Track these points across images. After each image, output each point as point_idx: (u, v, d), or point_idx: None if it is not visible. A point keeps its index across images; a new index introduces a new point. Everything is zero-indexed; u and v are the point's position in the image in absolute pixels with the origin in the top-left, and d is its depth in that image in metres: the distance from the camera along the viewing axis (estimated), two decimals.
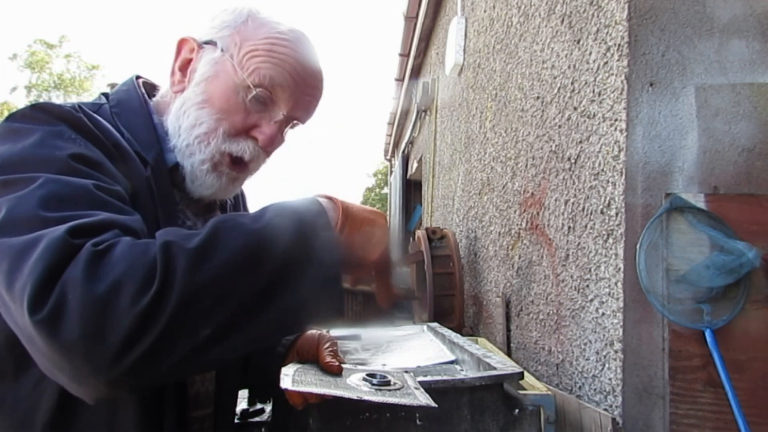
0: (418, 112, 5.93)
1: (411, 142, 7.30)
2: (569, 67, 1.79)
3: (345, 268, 0.75)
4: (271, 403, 1.15)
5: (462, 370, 1.11)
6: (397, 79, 7.30)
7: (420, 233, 3.05)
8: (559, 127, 1.86)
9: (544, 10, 2.06)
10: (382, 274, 0.83)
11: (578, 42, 1.72)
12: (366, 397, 0.74)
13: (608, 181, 1.49)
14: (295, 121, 0.92)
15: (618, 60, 1.45)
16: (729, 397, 1.22)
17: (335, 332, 1.05)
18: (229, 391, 1.00)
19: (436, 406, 0.75)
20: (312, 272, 0.69)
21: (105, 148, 0.78)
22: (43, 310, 0.58)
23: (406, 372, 0.91)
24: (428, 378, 0.90)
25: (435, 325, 1.61)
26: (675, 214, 1.32)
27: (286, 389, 0.75)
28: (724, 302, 1.27)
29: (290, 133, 0.94)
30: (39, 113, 0.76)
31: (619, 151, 1.42)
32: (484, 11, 3.17)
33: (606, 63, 1.52)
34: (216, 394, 0.94)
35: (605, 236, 1.50)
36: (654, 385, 1.32)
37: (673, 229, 1.32)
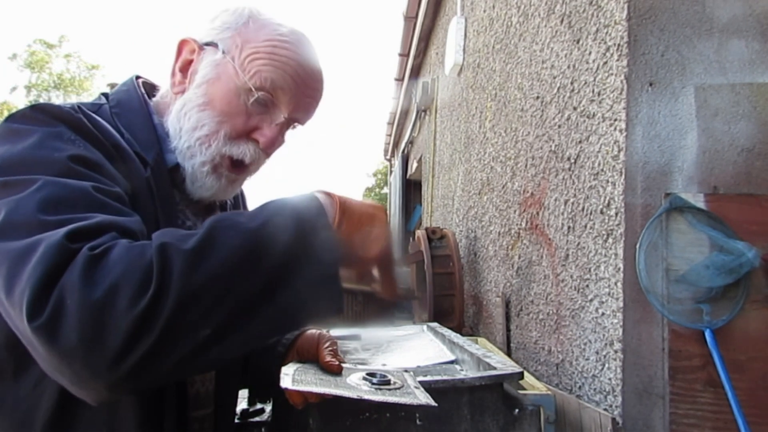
0: (417, 112, 5.93)
1: (411, 142, 7.30)
2: (569, 66, 1.79)
3: (344, 265, 0.74)
4: (271, 403, 1.15)
5: (462, 370, 1.11)
6: (396, 79, 7.30)
7: (420, 233, 3.05)
8: (559, 126, 1.86)
9: (544, 9, 2.06)
10: (383, 268, 0.83)
11: (578, 42, 1.72)
12: (366, 397, 0.74)
13: (608, 181, 1.49)
14: (295, 123, 0.92)
15: (617, 60, 1.45)
16: (729, 397, 1.22)
17: (335, 332, 1.05)
18: (229, 391, 1.00)
19: (436, 405, 0.75)
20: (310, 270, 0.69)
21: (104, 149, 0.78)
22: (42, 316, 0.58)
23: (406, 371, 0.91)
24: (428, 378, 0.90)
25: (435, 325, 1.61)
26: (675, 214, 1.32)
27: (286, 388, 0.75)
28: (723, 302, 1.27)
29: (290, 134, 0.94)
30: (38, 114, 0.76)
31: (619, 151, 1.42)
32: (484, 11, 3.17)
33: (605, 63, 1.52)
34: (216, 394, 0.95)
35: (605, 236, 1.50)
36: (654, 385, 1.32)
37: (673, 229, 1.32)
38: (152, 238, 0.65)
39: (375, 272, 0.84)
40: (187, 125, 0.87)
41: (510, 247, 2.43)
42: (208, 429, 0.92)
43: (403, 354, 1.27)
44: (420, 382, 0.85)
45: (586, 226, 1.63)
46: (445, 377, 0.91)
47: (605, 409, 1.44)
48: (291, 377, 0.78)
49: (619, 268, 1.41)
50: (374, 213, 0.80)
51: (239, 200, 1.08)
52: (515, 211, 2.36)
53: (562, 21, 1.87)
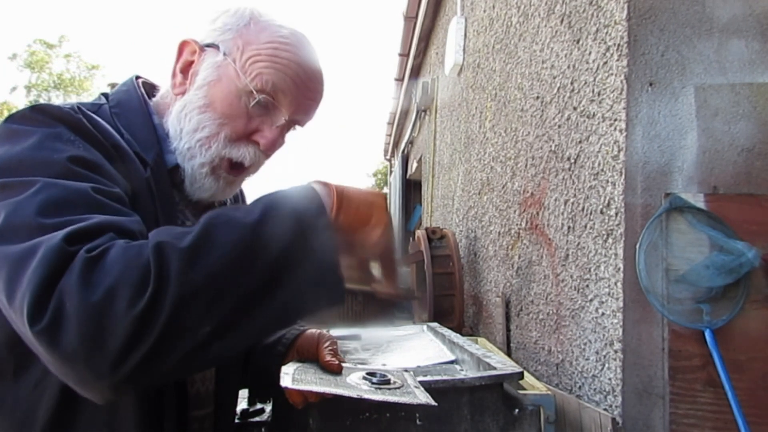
0: (417, 112, 5.93)
1: (411, 142, 7.30)
2: (569, 66, 1.79)
3: (343, 254, 0.74)
4: (271, 403, 1.15)
5: (462, 370, 1.11)
6: (396, 79, 7.30)
7: (420, 233, 3.05)
8: (559, 126, 1.86)
9: (544, 10, 2.06)
10: (384, 257, 0.82)
11: (578, 42, 1.72)
12: (366, 396, 0.74)
13: (608, 181, 1.49)
14: (295, 124, 0.92)
15: (617, 60, 1.45)
16: (729, 397, 1.22)
17: (335, 332, 1.05)
18: (229, 391, 1.00)
19: (435, 404, 0.75)
20: (309, 262, 0.69)
21: (104, 150, 0.78)
22: (43, 321, 0.59)
23: (406, 371, 0.91)
24: (428, 378, 0.90)
25: (435, 325, 1.61)
26: (674, 214, 1.32)
27: (286, 388, 0.75)
28: (723, 302, 1.27)
29: (290, 135, 0.94)
30: (38, 115, 0.76)
31: (619, 151, 1.42)
32: (484, 11, 3.17)
33: (605, 63, 1.52)
34: (216, 394, 0.95)
35: (605, 236, 1.50)
36: (654, 385, 1.32)
37: (673, 229, 1.32)
38: (149, 237, 0.65)
39: (375, 265, 0.84)
40: (188, 127, 0.87)
41: (510, 247, 2.43)
42: (208, 429, 0.92)
43: (403, 354, 1.27)
44: (420, 382, 0.85)
45: (586, 226, 1.63)
46: (445, 377, 0.91)
47: (605, 409, 1.44)
48: (291, 376, 0.78)
49: (619, 268, 1.41)
50: (373, 200, 0.79)
51: (239, 199, 1.08)
52: (515, 211, 2.36)
53: (562, 21, 1.87)
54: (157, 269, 0.61)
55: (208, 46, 0.89)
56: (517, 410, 0.92)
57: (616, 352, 1.42)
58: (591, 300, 1.58)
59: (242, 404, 1.14)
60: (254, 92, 0.85)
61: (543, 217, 2.01)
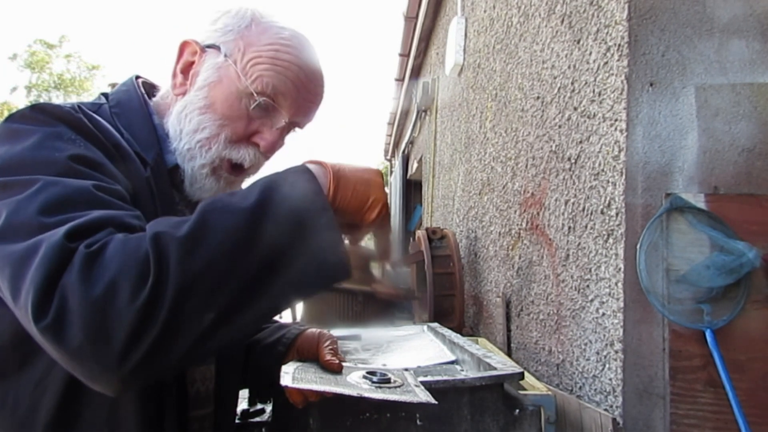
0: (418, 112, 5.93)
1: (411, 142, 7.30)
2: (569, 67, 1.79)
3: (342, 232, 0.73)
4: (271, 404, 1.15)
5: (462, 370, 1.11)
6: (397, 79, 7.29)
7: (420, 233, 3.05)
8: (559, 127, 1.86)
9: (544, 10, 2.06)
10: (379, 233, 0.82)
11: (578, 42, 1.72)
12: (366, 395, 0.74)
13: (608, 181, 1.49)
14: (295, 126, 0.92)
15: (618, 60, 1.45)
16: (729, 397, 1.22)
17: (335, 332, 1.05)
18: (229, 391, 1.00)
19: (436, 402, 0.75)
20: (310, 242, 0.68)
21: (105, 149, 0.78)
22: (47, 317, 0.59)
23: (406, 371, 0.91)
24: (428, 378, 0.90)
25: (435, 325, 1.61)
26: (675, 214, 1.32)
27: (286, 387, 0.75)
28: (724, 302, 1.27)
29: (290, 136, 0.94)
30: (38, 114, 0.76)
31: (619, 151, 1.42)
32: (484, 11, 3.17)
33: (606, 63, 1.52)
34: (216, 394, 0.95)
35: (605, 236, 1.50)
36: (654, 385, 1.32)
37: (674, 230, 1.31)
38: (146, 229, 0.65)
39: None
40: (188, 127, 0.87)
41: (510, 247, 2.43)
42: (208, 429, 0.92)
43: (404, 354, 1.26)
44: (420, 382, 0.85)
45: (586, 227, 1.63)
46: (445, 377, 0.91)
47: (606, 410, 1.43)
48: (291, 375, 0.78)
49: (619, 269, 1.41)
50: (369, 177, 0.79)
51: None
52: (516, 212, 2.36)
53: (562, 21, 1.87)
54: (156, 260, 0.61)
55: (209, 47, 0.89)
56: (517, 410, 0.92)
57: (616, 352, 1.42)
58: (591, 300, 1.58)
59: (242, 404, 1.14)
60: (255, 94, 0.85)
61: (543, 218, 2.01)
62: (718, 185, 1.31)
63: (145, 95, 0.93)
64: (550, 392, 1.47)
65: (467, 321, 3.17)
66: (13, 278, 0.62)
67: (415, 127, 6.59)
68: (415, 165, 6.94)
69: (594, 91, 1.59)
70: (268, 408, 1.18)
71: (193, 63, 0.90)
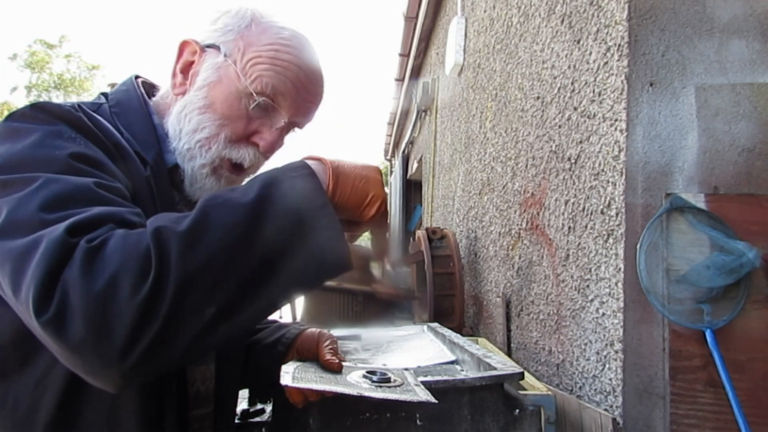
0: (418, 112, 5.93)
1: (411, 142, 7.30)
2: (569, 67, 1.79)
3: (342, 228, 0.73)
4: (271, 403, 1.15)
5: (462, 371, 1.11)
6: (397, 79, 7.29)
7: (420, 233, 3.04)
8: (559, 127, 1.86)
9: (544, 10, 2.06)
10: (377, 230, 0.82)
11: (578, 42, 1.72)
12: (366, 394, 0.74)
13: (608, 181, 1.49)
14: (295, 126, 0.93)
15: (618, 60, 1.45)
16: (729, 397, 1.22)
17: (335, 332, 1.05)
18: (229, 390, 1.00)
19: (436, 402, 0.75)
20: (310, 237, 0.69)
21: (105, 148, 0.78)
22: (48, 312, 0.59)
23: (406, 370, 0.91)
24: (429, 378, 0.90)
25: (435, 325, 1.61)
26: (675, 214, 1.32)
27: (286, 386, 0.75)
28: (724, 302, 1.27)
29: (290, 136, 0.94)
30: (38, 113, 0.76)
31: (619, 151, 1.42)
32: (484, 11, 3.17)
33: (606, 63, 1.52)
34: (216, 394, 0.95)
35: (605, 236, 1.50)
36: (654, 386, 1.32)
37: (674, 230, 1.31)
38: (147, 225, 0.66)
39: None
40: (188, 127, 0.87)
41: (510, 247, 2.43)
42: (208, 428, 0.92)
43: (404, 354, 1.26)
44: (420, 382, 0.85)
45: (586, 227, 1.63)
46: (445, 377, 0.91)
47: (606, 410, 1.43)
48: (291, 375, 0.78)
49: (619, 269, 1.41)
50: (368, 174, 0.79)
51: None
52: (516, 212, 2.36)
53: (562, 21, 1.87)
54: (157, 254, 0.61)
55: (208, 46, 0.89)
56: (517, 410, 0.92)
57: (616, 352, 1.42)
58: (591, 300, 1.58)
59: (242, 404, 1.14)
60: (254, 94, 0.85)
61: (543, 218, 2.01)
62: (718, 185, 1.31)
63: (145, 95, 0.93)
64: (550, 392, 1.47)
65: (467, 321, 3.17)
66: (14, 273, 0.62)
67: (415, 127, 6.59)
68: (415, 165, 6.94)
69: (594, 91, 1.59)
70: (268, 408, 1.18)
71: (192, 63, 0.90)
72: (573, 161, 1.74)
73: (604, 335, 1.49)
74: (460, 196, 3.73)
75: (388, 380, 0.81)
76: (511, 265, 2.42)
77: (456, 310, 2.86)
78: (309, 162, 0.75)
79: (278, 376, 0.77)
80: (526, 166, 2.23)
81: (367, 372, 0.83)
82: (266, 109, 0.87)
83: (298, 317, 3.10)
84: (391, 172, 10.00)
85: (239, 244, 0.65)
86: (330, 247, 0.70)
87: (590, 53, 1.63)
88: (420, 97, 5.39)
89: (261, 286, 0.67)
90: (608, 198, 1.49)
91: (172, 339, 0.62)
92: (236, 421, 1.10)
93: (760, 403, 1.24)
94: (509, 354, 2.34)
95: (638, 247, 1.33)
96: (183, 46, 0.91)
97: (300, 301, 2.99)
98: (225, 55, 0.87)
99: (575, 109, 1.73)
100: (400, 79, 7.15)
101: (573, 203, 1.74)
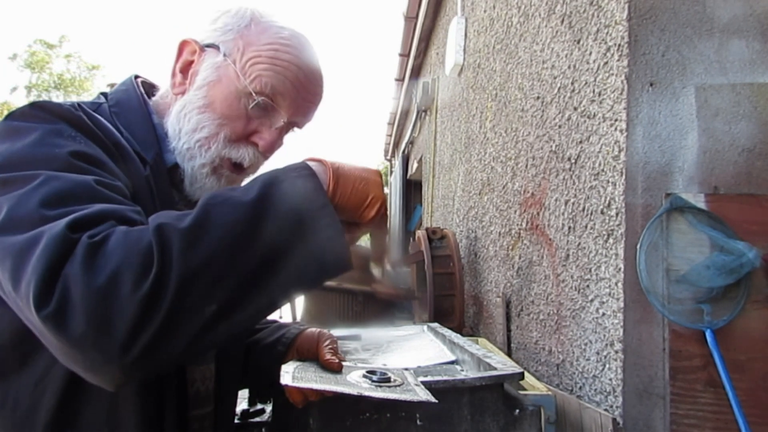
0: (418, 112, 5.93)
1: (411, 142, 7.30)
2: (569, 67, 1.79)
3: (342, 229, 0.74)
4: (271, 403, 1.15)
5: (462, 371, 1.11)
6: (397, 79, 7.30)
7: (420, 233, 3.04)
8: (559, 127, 1.86)
9: (544, 10, 2.06)
10: (377, 231, 0.83)
11: (578, 42, 1.72)
12: (366, 393, 0.74)
13: (608, 181, 1.49)
14: (294, 126, 0.93)
15: (618, 60, 1.45)
16: (729, 397, 1.22)
17: (335, 332, 1.05)
18: (229, 390, 1.00)
19: (436, 401, 0.75)
20: (310, 237, 0.69)
21: (105, 147, 0.78)
22: (49, 306, 0.59)
23: (406, 370, 0.91)
24: (429, 378, 0.90)
25: (435, 325, 1.61)
26: (675, 214, 1.32)
27: (286, 386, 0.75)
28: (724, 302, 1.27)
29: (289, 136, 0.94)
30: (38, 112, 0.76)
31: (619, 151, 1.42)
32: (484, 11, 3.17)
33: (606, 63, 1.52)
34: (216, 394, 0.95)
35: (605, 236, 1.50)
36: (654, 386, 1.31)
37: (674, 230, 1.31)
38: (149, 222, 0.66)
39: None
40: (187, 127, 0.87)
41: (510, 247, 2.43)
42: (208, 428, 0.92)
43: (404, 354, 1.26)
44: (420, 382, 0.85)
45: (586, 227, 1.63)
46: (445, 377, 0.91)
47: (606, 410, 1.43)
48: (291, 375, 0.78)
49: (619, 269, 1.41)
50: (368, 176, 0.79)
51: None
52: (516, 212, 2.36)
53: (562, 21, 1.87)
54: (159, 251, 0.61)
55: (208, 46, 0.89)
56: (517, 410, 0.92)
57: (616, 352, 1.42)
58: (591, 300, 1.58)
59: (242, 404, 1.14)
60: (253, 94, 0.85)
61: (543, 218, 2.01)
62: (718, 185, 1.31)
63: (144, 95, 0.93)
64: (550, 392, 1.47)
65: (467, 321, 3.17)
66: (14, 269, 0.62)
67: (415, 127, 6.59)
68: (415, 165, 6.94)
69: (594, 91, 1.59)
70: (268, 408, 1.18)
71: (192, 62, 0.90)
72: (573, 161, 1.74)
73: (604, 335, 1.49)
74: (460, 196, 3.74)
75: (388, 380, 0.81)
76: (511, 265, 2.42)
77: (456, 310, 2.86)
78: (310, 163, 0.76)
79: (278, 376, 0.77)
80: (526, 166, 2.23)
81: (367, 372, 0.83)
82: (266, 109, 0.87)
83: (298, 317, 3.10)
84: (391, 172, 10.00)
85: (240, 242, 0.65)
86: (330, 247, 0.70)
87: (590, 53, 1.63)
88: (420, 97, 5.39)
89: (261, 284, 0.67)
90: (608, 198, 1.49)
91: (173, 335, 0.62)
92: (236, 421, 1.10)
93: (760, 403, 1.24)
94: (509, 354, 2.33)
95: (638, 247, 1.33)
96: (182, 45, 0.91)
97: (300, 301, 2.99)
98: (224, 55, 0.87)
99: (575, 109, 1.73)
100: (400, 79, 7.15)
101: (573, 203, 1.73)
